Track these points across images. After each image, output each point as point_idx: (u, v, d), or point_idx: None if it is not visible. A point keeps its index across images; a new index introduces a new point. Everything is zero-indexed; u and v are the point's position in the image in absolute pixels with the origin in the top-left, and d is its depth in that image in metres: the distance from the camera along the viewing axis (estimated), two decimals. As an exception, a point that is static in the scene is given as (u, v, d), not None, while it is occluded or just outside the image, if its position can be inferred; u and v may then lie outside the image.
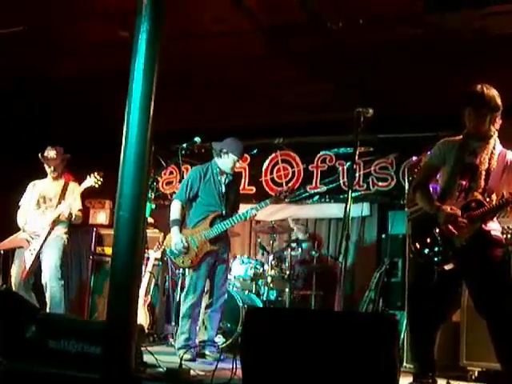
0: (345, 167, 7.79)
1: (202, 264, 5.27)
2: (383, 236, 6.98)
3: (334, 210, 7.76)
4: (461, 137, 3.86)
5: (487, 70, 5.46)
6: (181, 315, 5.31)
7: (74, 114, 7.54)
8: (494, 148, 3.75)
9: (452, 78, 5.58)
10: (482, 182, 3.69)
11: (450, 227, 3.65)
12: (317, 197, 7.90)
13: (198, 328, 5.40)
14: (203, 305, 5.43)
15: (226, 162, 5.41)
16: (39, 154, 5.90)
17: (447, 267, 3.69)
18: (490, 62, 5.44)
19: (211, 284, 5.40)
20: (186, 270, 5.53)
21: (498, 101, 3.69)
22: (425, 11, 4.65)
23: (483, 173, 3.69)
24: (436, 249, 3.73)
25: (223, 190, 5.41)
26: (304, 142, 7.99)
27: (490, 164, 3.71)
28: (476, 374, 4.74)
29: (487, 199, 3.66)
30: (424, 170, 4.08)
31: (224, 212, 5.35)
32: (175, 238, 5.28)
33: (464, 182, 3.73)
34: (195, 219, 5.38)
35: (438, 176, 4.02)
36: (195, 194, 5.40)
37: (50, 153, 5.90)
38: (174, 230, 5.31)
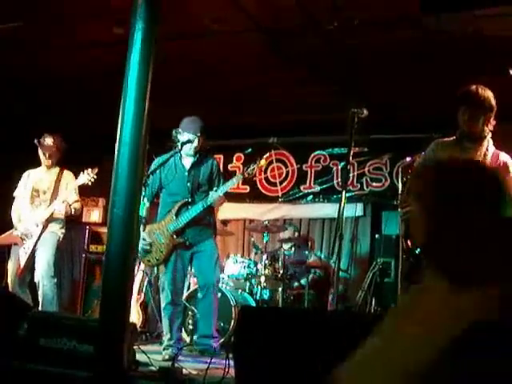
0: (339, 167, 7.80)
1: (170, 259, 5.01)
2: (376, 236, 6.99)
3: (327, 209, 7.77)
4: (454, 137, 3.86)
5: (482, 72, 5.48)
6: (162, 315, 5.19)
7: (70, 112, 7.52)
8: (487, 149, 3.76)
9: (447, 80, 5.59)
10: None
11: None
12: (310, 197, 7.92)
13: (181, 328, 5.30)
14: (184, 295, 5.29)
15: (183, 142, 5.04)
16: (35, 140, 5.80)
17: None
18: (484, 64, 5.46)
19: (197, 277, 5.26)
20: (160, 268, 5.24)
21: (493, 101, 3.69)
22: (420, 13, 4.66)
23: None
24: None
25: (186, 174, 5.08)
26: (298, 142, 8.00)
27: None
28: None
29: None
30: None
31: (191, 199, 5.03)
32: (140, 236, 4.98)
33: None
34: (163, 212, 5.12)
35: None
36: (159, 185, 5.12)
37: (47, 140, 5.80)
38: None
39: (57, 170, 5.88)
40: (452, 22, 4.80)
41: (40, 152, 5.84)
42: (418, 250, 3.81)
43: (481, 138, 3.75)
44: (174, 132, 5.10)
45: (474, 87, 3.69)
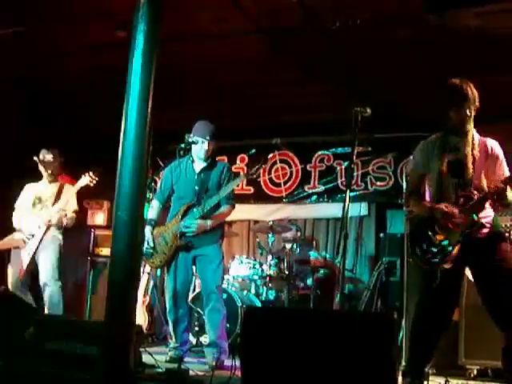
0: (343, 167, 7.79)
1: (173, 261, 5.03)
2: (381, 235, 6.97)
3: (332, 209, 7.76)
4: (438, 135, 3.92)
5: (486, 70, 5.48)
6: None
7: (75, 115, 7.53)
8: (473, 138, 3.81)
9: (450, 77, 5.58)
10: (471, 175, 3.73)
11: (449, 223, 3.69)
12: (315, 197, 7.90)
13: (188, 330, 5.28)
14: (190, 297, 5.29)
15: (196, 147, 5.08)
16: (35, 158, 5.83)
17: (446, 266, 3.70)
18: (488, 62, 5.44)
19: (201, 281, 5.29)
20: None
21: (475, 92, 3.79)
22: (423, 11, 4.66)
23: (470, 165, 3.73)
24: (433, 249, 3.76)
25: (195, 178, 5.09)
26: (302, 142, 7.99)
27: (473, 155, 3.76)
28: (475, 372, 4.75)
29: (475, 191, 3.70)
30: (412, 178, 4.11)
31: (197, 202, 4.99)
32: (145, 238, 5.00)
33: (455, 180, 3.77)
34: (171, 215, 5.15)
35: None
36: (171, 189, 5.19)
37: (47, 156, 5.85)
38: (146, 230, 5.01)
39: (58, 183, 5.92)
40: (454, 19, 4.79)
41: (41, 168, 5.86)
42: (422, 250, 3.83)
43: (468, 130, 3.82)
44: (186, 136, 5.13)
45: (461, 82, 3.79)
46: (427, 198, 3.92)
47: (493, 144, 3.84)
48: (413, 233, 3.95)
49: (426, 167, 3.90)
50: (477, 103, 3.77)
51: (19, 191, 6.05)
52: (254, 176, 5.15)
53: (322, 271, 7.14)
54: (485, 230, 3.72)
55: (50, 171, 5.86)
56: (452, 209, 3.69)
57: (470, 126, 3.82)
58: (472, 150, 3.76)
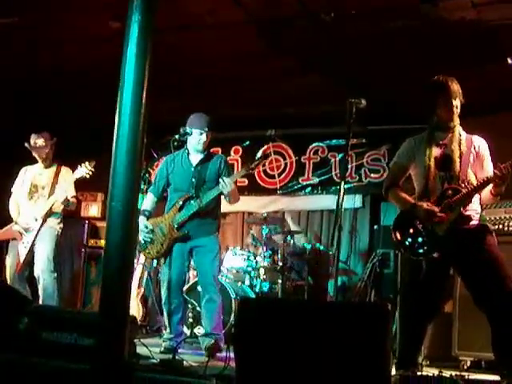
0: (337, 159, 7.80)
1: (170, 252, 5.06)
2: (376, 227, 7.00)
3: (326, 201, 7.77)
4: (423, 133, 3.96)
5: (482, 61, 5.48)
6: None
7: (69, 105, 7.50)
8: (460, 134, 3.86)
9: (445, 69, 5.59)
10: (458, 169, 3.77)
11: (431, 222, 3.72)
12: (309, 188, 7.92)
13: (182, 322, 5.29)
14: (184, 288, 5.35)
15: (193, 140, 5.13)
16: (26, 144, 5.77)
17: (434, 256, 3.74)
18: (484, 53, 5.44)
19: (197, 272, 5.33)
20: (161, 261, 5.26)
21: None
22: (419, 1, 4.66)
23: (457, 159, 3.78)
24: (420, 240, 3.79)
25: (192, 170, 5.12)
26: (296, 134, 8.00)
27: (460, 150, 3.80)
28: (468, 363, 4.78)
29: (463, 184, 3.74)
30: (393, 171, 4.13)
31: (195, 194, 5.04)
32: (140, 227, 5.03)
33: (442, 173, 3.79)
34: (168, 207, 5.17)
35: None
36: (166, 183, 5.21)
37: (38, 141, 5.75)
38: (139, 219, 5.03)
39: (54, 167, 5.85)
40: (450, 9, 4.78)
41: (35, 155, 5.79)
42: (408, 240, 3.85)
43: (454, 126, 3.86)
44: (181, 130, 5.14)
45: (445, 78, 3.83)
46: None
47: (479, 142, 3.89)
48: (400, 219, 3.97)
49: (411, 160, 3.94)
50: (462, 99, 3.82)
51: (13, 180, 5.99)
52: (255, 170, 5.20)
53: (316, 263, 7.16)
54: (472, 223, 3.75)
55: (44, 156, 5.79)
56: (432, 207, 3.72)
57: (457, 122, 3.87)
58: (459, 145, 3.80)
